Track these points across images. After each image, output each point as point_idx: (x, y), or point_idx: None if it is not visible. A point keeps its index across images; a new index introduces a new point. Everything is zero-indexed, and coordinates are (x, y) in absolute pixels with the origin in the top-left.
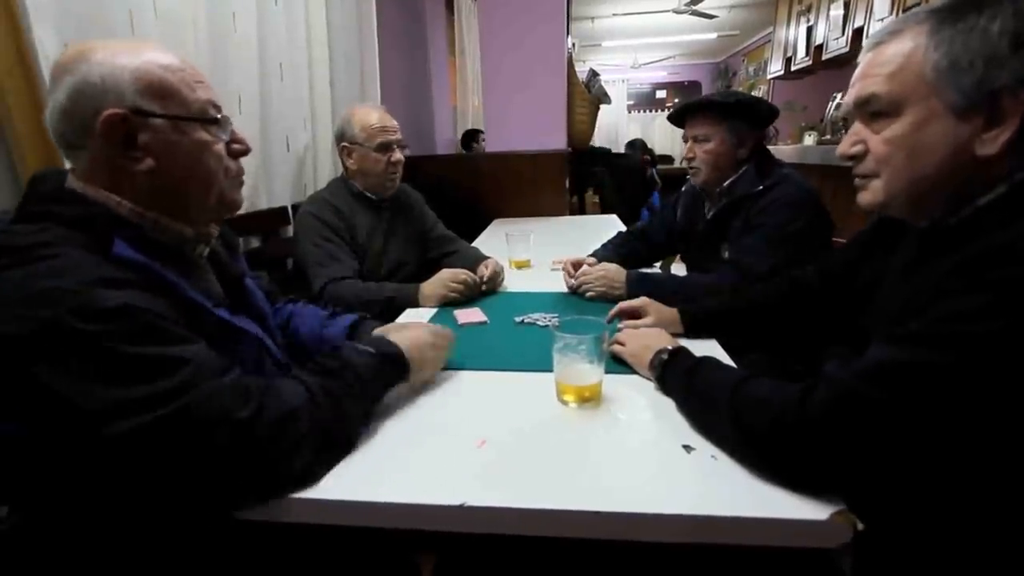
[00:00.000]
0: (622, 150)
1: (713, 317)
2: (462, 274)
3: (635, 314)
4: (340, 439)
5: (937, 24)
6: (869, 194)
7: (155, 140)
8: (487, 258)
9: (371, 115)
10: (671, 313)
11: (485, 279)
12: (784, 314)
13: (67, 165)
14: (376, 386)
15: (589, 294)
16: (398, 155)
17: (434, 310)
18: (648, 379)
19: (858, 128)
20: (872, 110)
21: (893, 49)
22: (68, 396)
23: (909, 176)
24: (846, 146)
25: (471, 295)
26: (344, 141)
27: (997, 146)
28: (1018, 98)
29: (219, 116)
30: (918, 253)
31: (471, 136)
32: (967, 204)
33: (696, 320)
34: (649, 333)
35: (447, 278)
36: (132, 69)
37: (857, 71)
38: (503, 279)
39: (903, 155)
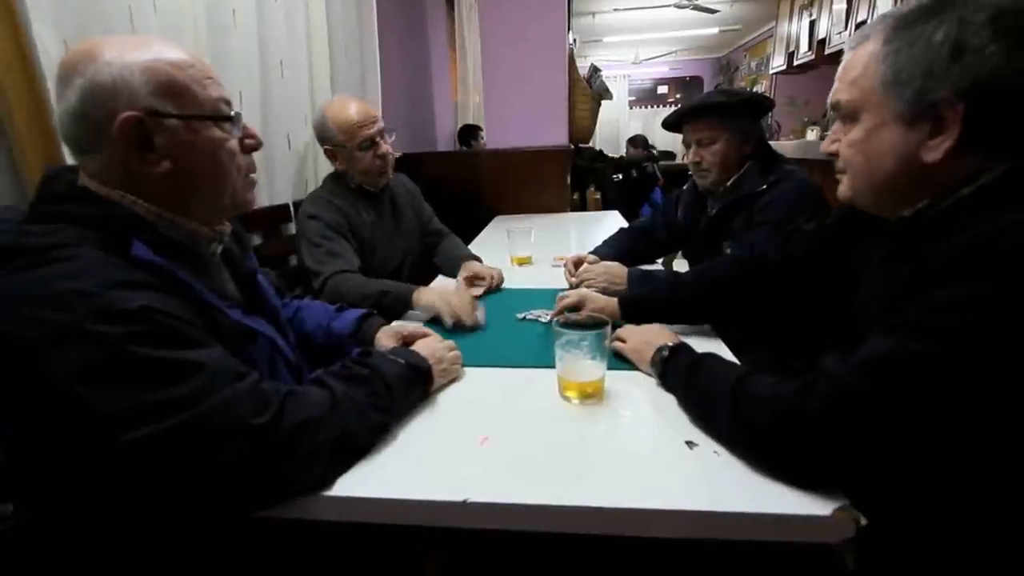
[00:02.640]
0: (623, 146)
1: (652, 300)
2: (467, 310)
3: (577, 308)
4: (359, 449)
5: (891, 33)
6: (842, 187)
7: (171, 141)
8: (472, 258)
9: (346, 111)
10: (609, 302)
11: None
12: (743, 283)
13: (68, 161)
14: (402, 400)
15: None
16: (384, 147)
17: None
18: (650, 375)
19: (836, 127)
20: (840, 115)
21: (859, 54)
22: (85, 399)
23: (866, 178)
24: (826, 144)
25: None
26: (326, 144)
27: (940, 153)
28: (955, 109)
29: (232, 113)
30: (899, 243)
31: (469, 132)
32: (948, 197)
33: (634, 303)
34: (651, 329)
35: (455, 304)
36: (142, 68)
37: (837, 73)
38: (502, 279)
39: (860, 158)
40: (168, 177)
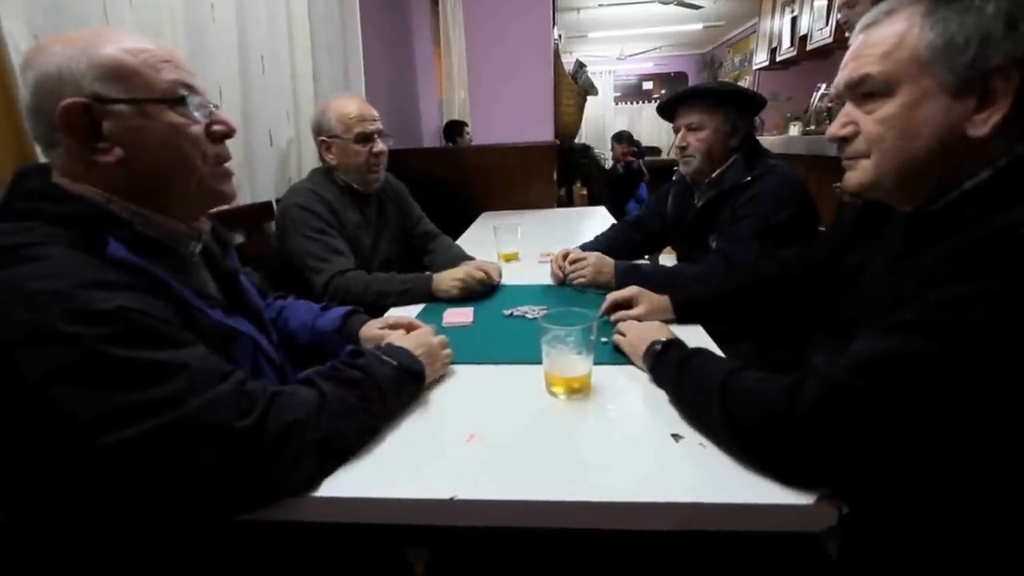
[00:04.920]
0: (608, 142)
1: (702, 303)
2: (483, 271)
3: (627, 304)
4: (345, 451)
5: (932, 5)
6: (858, 174)
7: (121, 127)
8: (469, 258)
9: (348, 105)
10: (662, 300)
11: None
12: (771, 297)
13: (42, 159)
14: (393, 402)
15: (578, 281)
16: (380, 146)
17: (421, 306)
18: (643, 370)
19: (849, 110)
20: (864, 91)
21: (886, 30)
22: (60, 403)
23: (900, 156)
24: (836, 127)
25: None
26: (322, 135)
27: (988, 127)
28: (1009, 79)
29: (186, 94)
30: (905, 241)
31: (454, 128)
32: (953, 188)
33: (685, 306)
34: (650, 326)
35: (478, 264)
36: (89, 55)
37: (848, 52)
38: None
39: (895, 135)
40: (124, 166)
